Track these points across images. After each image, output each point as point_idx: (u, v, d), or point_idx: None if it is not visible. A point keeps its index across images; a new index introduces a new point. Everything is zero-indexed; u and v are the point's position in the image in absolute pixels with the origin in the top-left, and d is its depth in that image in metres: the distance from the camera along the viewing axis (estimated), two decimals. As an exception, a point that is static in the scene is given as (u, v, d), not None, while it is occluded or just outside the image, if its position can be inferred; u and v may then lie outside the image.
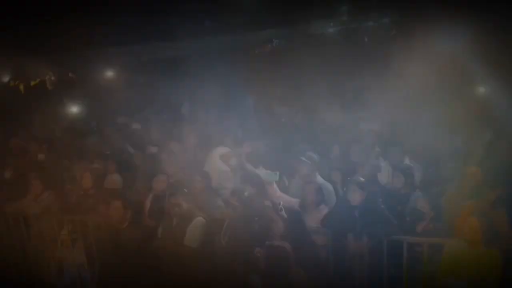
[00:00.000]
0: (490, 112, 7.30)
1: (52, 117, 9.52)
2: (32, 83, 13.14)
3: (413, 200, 4.92)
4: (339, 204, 4.95)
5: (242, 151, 5.57)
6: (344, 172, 5.56)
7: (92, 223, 5.44)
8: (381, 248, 4.54)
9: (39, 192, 5.84)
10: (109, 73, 13.88)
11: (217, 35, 16.24)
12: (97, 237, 5.39)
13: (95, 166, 6.32)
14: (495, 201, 4.62)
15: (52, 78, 13.57)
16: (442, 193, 5.13)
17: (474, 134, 6.44)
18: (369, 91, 9.38)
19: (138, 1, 11.49)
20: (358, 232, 4.52)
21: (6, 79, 12.43)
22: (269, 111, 8.66)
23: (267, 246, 3.35)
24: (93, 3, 11.36)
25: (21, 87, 12.81)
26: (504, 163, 5.40)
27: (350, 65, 12.10)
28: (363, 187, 4.62)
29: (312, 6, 14.54)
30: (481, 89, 8.28)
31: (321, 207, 4.92)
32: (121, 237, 4.67)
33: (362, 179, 4.78)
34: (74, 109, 9.60)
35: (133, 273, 4.48)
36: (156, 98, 10.93)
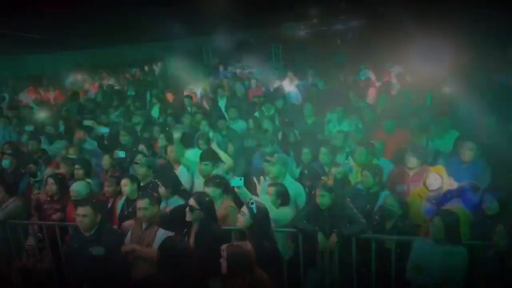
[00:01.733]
0: (456, 112, 7.47)
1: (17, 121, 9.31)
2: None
3: (382, 198, 4.98)
4: (309, 204, 4.96)
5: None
6: (313, 175, 5.56)
7: (60, 229, 5.33)
8: (350, 247, 4.59)
9: (2, 199, 5.67)
10: (77, 76, 13.69)
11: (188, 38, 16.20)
12: (65, 243, 5.29)
13: (61, 171, 6.19)
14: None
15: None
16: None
17: (441, 133, 6.56)
18: (340, 91, 9.49)
19: (109, 4, 11.35)
20: (327, 231, 4.54)
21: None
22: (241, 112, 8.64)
23: (227, 246, 3.32)
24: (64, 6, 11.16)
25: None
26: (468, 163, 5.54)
27: (320, 66, 12.25)
28: (331, 191, 4.64)
29: (284, 9, 14.69)
30: (447, 89, 8.46)
31: (287, 208, 4.93)
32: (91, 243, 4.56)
33: (329, 182, 4.79)
34: (40, 112, 9.39)
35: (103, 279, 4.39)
36: (125, 100, 10.80)
